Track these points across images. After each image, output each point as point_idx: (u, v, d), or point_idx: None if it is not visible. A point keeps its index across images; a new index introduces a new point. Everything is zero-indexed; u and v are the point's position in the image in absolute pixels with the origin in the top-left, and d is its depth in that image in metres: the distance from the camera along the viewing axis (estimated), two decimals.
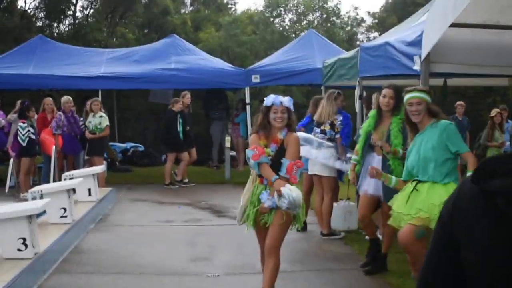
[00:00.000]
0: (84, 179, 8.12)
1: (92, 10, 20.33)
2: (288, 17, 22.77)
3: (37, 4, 19.16)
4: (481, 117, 13.49)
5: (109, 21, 20.23)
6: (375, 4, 50.35)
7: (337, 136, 6.85)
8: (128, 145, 15.13)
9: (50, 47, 12.98)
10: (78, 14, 20.19)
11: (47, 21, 19.46)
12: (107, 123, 10.63)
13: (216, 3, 22.81)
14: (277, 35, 20.60)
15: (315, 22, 22.21)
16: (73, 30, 18.96)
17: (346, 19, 22.67)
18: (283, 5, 22.14)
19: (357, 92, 7.72)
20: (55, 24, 19.80)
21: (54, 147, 9.96)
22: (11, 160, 9.82)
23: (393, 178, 4.73)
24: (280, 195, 4.15)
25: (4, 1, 17.82)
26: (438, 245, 1.28)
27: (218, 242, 6.75)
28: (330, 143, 6.83)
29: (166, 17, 20.04)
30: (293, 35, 20.40)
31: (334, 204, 7.15)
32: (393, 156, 5.36)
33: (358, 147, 5.81)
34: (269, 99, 4.44)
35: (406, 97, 4.56)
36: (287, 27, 22.35)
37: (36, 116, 10.40)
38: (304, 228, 7.37)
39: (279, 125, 4.37)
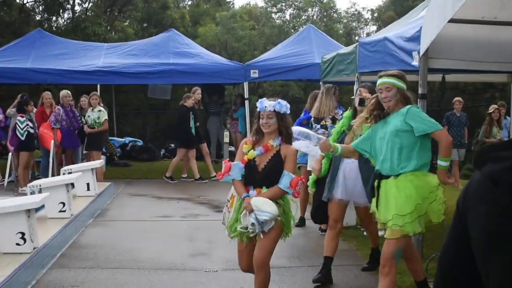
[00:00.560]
0: (82, 174, 8.13)
1: (91, 4, 20.29)
2: (289, 12, 22.77)
3: None
4: (480, 113, 13.50)
5: (108, 15, 20.18)
6: (374, 2, 50.30)
7: None
8: (127, 139, 15.14)
9: (48, 41, 12.96)
10: (77, 8, 20.16)
11: (46, 15, 19.42)
12: (106, 117, 10.61)
13: None
14: (276, 30, 20.58)
15: (314, 17, 22.19)
16: (71, 24, 18.93)
17: (344, 14, 22.68)
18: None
19: (355, 88, 7.72)
20: (54, 18, 19.76)
21: (52, 141, 9.97)
22: (10, 154, 9.81)
23: (338, 146, 4.56)
24: (250, 212, 3.99)
25: None
26: (454, 234, 1.28)
27: (216, 237, 6.74)
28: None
29: (166, 11, 20.00)
30: (292, 30, 20.37)
31: None
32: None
33: None
34: (258, 104, 4.23)
35: (377, 83, 4.22)
36: (287, 22, 22.33)
37: (34, 110, 10.39)
38: (302, 223, 7.39)
39: (265, 131, 4.16)
